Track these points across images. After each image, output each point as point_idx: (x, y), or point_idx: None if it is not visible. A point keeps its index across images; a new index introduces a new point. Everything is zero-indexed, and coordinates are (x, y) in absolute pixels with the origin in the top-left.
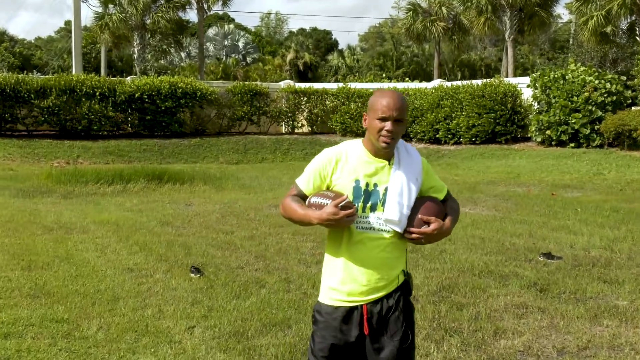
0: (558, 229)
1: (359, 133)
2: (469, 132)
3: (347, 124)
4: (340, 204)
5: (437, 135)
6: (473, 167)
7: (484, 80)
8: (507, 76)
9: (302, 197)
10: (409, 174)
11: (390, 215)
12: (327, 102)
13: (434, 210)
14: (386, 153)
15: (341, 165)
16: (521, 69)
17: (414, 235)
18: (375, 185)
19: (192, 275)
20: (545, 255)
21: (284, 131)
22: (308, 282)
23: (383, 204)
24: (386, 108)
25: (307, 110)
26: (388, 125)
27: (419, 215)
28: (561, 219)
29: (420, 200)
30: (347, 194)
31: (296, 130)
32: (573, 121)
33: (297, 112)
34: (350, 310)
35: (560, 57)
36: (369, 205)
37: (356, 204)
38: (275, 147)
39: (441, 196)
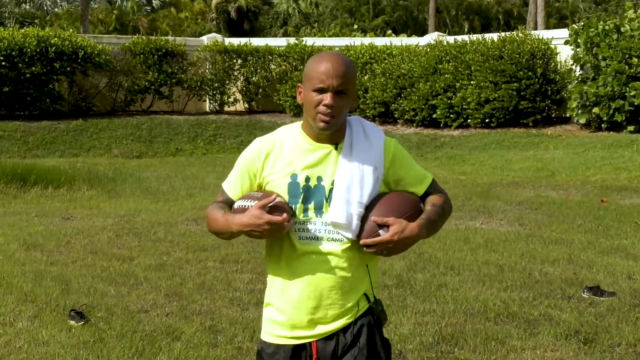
0: (610, 251)
1: None
2: (480, 110)
3: None
4: (268, 205)
5: (434, 115)
6: (486, 162)
7: (503, 33)
8: (535, 28)
9: (230, 205)
10: (363, 161)
11: (335, 216)
12: (273, 67)
13: (396, 206)
14: (331, 136)
15: (273, 158)
16: (556, 18)
17: (369, 249)
18: (318, 179)
19: (72, 322)
20: (591, 290)
21: (208, 109)
22: (244, 332)
23: (331, 203)
24: (324, 75)
25: (242, 78)
26: (327, 98)
27: (372, 218)
28: (615, 237)
29: (381, 196)
30: (281, 192)
31: (226, 108)
32: (632, 94)
33: (227, 82)
34: (296, 350)
35: (613, 1)
36: (311, 206)
37: (293, 205)
38: (195, 132)
39: (419, 190)
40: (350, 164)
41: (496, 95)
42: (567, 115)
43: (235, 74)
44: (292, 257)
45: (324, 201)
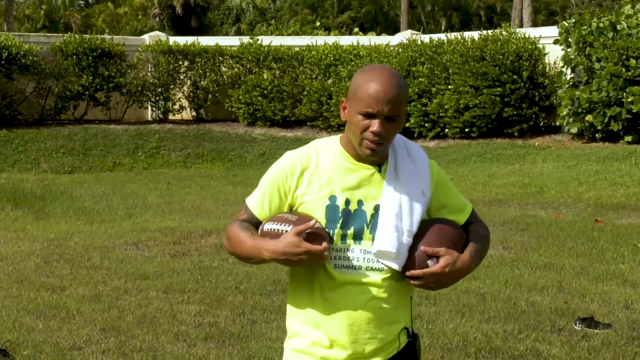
0: (606, 278)
1: (277, 121)
2: (459, 118)
3: (256, 106)
4: (305, 232)
5: (407, 124)
6: (466, 177)
7: (484, 31)
8: (521, 25)
9: (255, 224)
10: (410, 186)
11: (383, 245)
12: (224, 69)
13: (446, 236)
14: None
15: (309, 175)
16: (545, 14)
17: (415, 281)
18: (359, 202)
19: None
20: (584, 321)
21: (150, 118)
22: None
23: (372, 231)
24: (373, 100)
25: (189, 82)
26: (375, 125)
27: (422, 247)
28: (611, 261)
29: (427, 223)
30: (318, 216)
31: (171, 117)
32: (630, 99)
33: (172, 86)
34: None
35: None
36: (350, 232)
37: (331, 231)
38: (135, 144)
39: (461, 219)
40: (397, 188)
41: (477, 101)
42: (557, 124)
43: (181, 77)
44: (327, 286)
45: (365, 227)
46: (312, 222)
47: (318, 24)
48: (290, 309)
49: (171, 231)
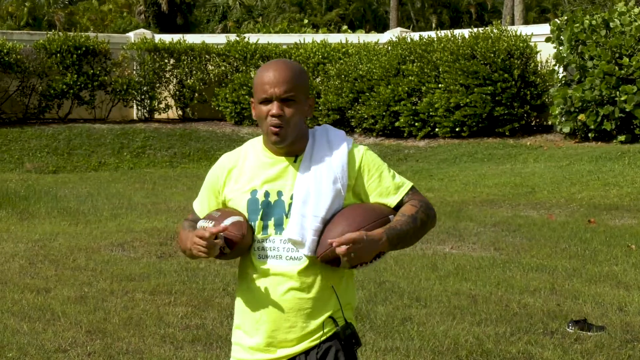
0: (599, 279)
1: None
2: (449, 117)
3: (243, 105)
4: (218, 234)
5: (397, 124)
6: (457, 177)
7: (475, 29)
8: (512, 23)
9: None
10: (321, 172)
11: (290, 233)
12: (210, 67)
13: (357, 217)
14: (290, 148)
15: (235, 174)
16: (536, 11)
17: (321, 257)
18: (279, 193)
19: None
20: (577, 324)
21: (135, 117)
22: None
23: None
24: (267, 85)
25: (175, 80)
26: (273, 107)
27: (328, 241)
28: (604, 263)
29: (345, 208)
30: (241, 210)
31: (157, 116)
32: (623, 98)
33: (158, 85)
34: None
35: None
36: (270, 222)
37: (253, 222)
38: (120, 144)
39: (391, 201)
40: (308, 176)
41: (468, 100)
42: (549, 123)
43: (167, 75)
44: (252, 276)
45: (284, 217)
46: (222, 227)
47: (306, 21)
48: (235, 300)
49: (157, 232)
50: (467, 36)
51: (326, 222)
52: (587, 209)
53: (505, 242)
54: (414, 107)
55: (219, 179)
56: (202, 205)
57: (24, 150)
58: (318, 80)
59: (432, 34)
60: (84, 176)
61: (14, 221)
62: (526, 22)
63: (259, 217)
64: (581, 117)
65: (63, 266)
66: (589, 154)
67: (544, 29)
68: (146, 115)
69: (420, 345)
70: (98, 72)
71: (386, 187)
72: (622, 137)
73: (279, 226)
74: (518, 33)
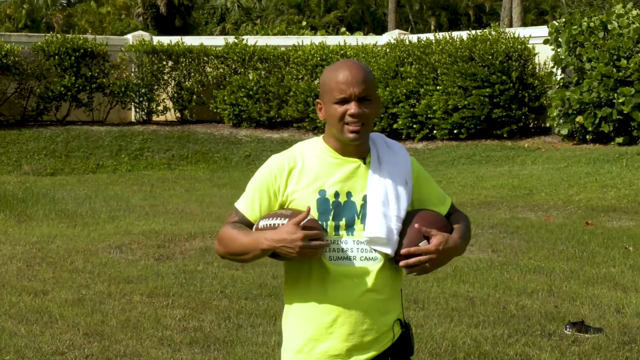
0: (596, 281)
1: (262, 122)
2: (447, 119)
3: (242, 107)
4: (302, 223)
5: (395, 126)
6: (455, 179)
7: (473, 31)
8: (511, 25)
9: (247, 226)
10: (394, 175)
11: (373, 232)
12: (209, 70)
13: (433, 221)
14: (358, 148)
15: (297, 174)
16: (535, 13)
17: (411, 260)
18: (348, 194)
19: None
20: (575, 325)
21: (133, 119)
22: None
23: (363, 220)
24: (344, 84)
25: (173, 83)
26: (352, 107)
27: (415, 225)
28: (602, 264)
29: (413, 212)
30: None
31: (155, 118)
32: (621, 100)
33: (156, 87)
34: None
35: None
36: (342, 223)
37: (324, 224)
38: (118, 146)
39: (443, 210)
40: (382, 178)
41: (466, 102)
42: (547, 125)
43: (165, 78)
44: (323, 279)
45: (356, 218)
46: (305, 214)
47: (304, 23)
48: (285, 308)
49: (155, 234)
50: (465, 38)
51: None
52: (584, 211)
53: (503, 244)
54: (412, 109)
55: (278, 178)
56: (253, 205)
57: (21, 152)
58: (316, 82)
59: (431, 36)
60: (82, 178)
61: (11, 223)
62: (524, 24)
63: (331, 217)
64: (579, 119)
65: (60, 268)
66: (586, 156)
67: (542, 31)
68: (144, 117)
69: (417, 347)
70: (96, 75)
71: (436, 196)
72: (619, 139)
73: (350, 227)
74: (516, 35)
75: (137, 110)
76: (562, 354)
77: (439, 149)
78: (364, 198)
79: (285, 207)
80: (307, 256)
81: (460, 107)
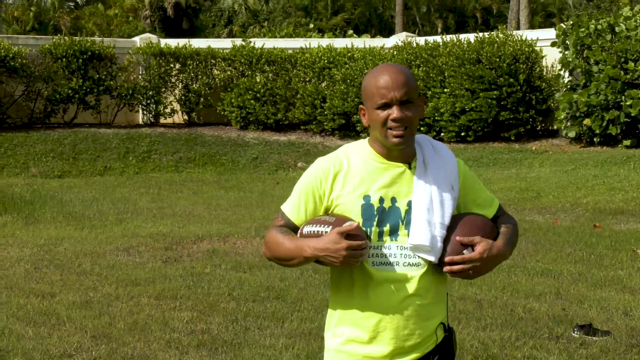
0: (604, 284)
1: (269, 125)
2: (455, 122)
3: (249, 110)
4: (346, 231)
5: None
6: None
7: (481, 34)
8: (518, 27)
9: (292, 230)
10: (440, 180)
11: (418, 239)
12: (216, 72)
13: (478, 227)
14: (403, 152)
15: (342, 178)
16: (542, 15)
17: (454, 267)
18: (393, 200)
19: None
20: (582, 328)
21: (141, 121)
22: None
23: (407, 226)
24: (384, 89)
25: (180, 85)
26: (394, 111)
27: (457, 237)
28: (609, 267)
29: (458, 217)
30: (354, 216)
31: (162, 120)
32: (628, 103)
33: (163, 89)
34: None
35: None
36: (386, 229)
37: (368, 229)
38: (126, 148)
39: (489, 213)
40: (427, 183)
41: (473, 105)
42: (555, 127)
43: (173, 80)
44: (366, 285)
45: (400, 223)
46: (354, 224)
47: (311, 26)
48: (330, 311)
49: (163, 237)
50: (472, 41)
51: (448, 229)
52: (592, 214)
53: None
54: None
55: (323, 182)
56: (299, 209)
57: (29, 155)
58: (324, 84)
59: (438, 38)
60: (90, 181)
61: (19, 226)
62: (532, 26)
63: (375, 223)
64: (586, 121)
65: (68, 271)
66: (594, 159)
67: (550, 33)
68: (152, 119)
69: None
70: (104, 77)
71: (484, 199)
72: (627, 142)
73: (394, 233)
74: (524, 38)
75: (145, 112)
76: (570, 356)
77: None
78: (409, 204)
79: (330, 211)
80: (350, 265)
81: (467, 109)
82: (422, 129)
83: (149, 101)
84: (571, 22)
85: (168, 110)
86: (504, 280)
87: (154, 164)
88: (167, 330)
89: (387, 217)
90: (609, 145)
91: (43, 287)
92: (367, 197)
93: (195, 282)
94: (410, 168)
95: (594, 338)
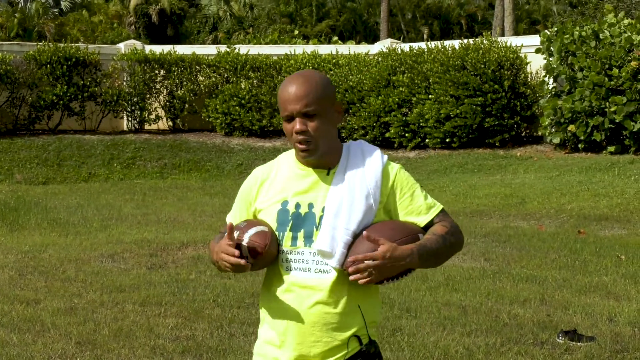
0: (589, 290)
1: (254, 131)
2: (440, 128)
3: (234, 116)
4: (237, 242)
5: (387, 134)
6: (447, 187)
7: (465, 40)
8: (503, 34)
9: None
10: (354, 186)
11: (320, 244)
12: (201, 78)
13: (388, 231)
14: (323, 161)
15: (268, 185)
16: (527, 22)
17: (361, 266)
18: (309, 205)
19: None
20: (567, 334)
21: (126, 128)
22: None
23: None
24: (285, 102)
25: (165, 91)
26: (297, 124)
27: (364, 233)
28: (594, 273)
29: (373, 223)
30: (270, 220)
31: (147, 127)
32: (613, 109)
33: (148, 96)
34: None
35: (590, 3)
36: (300, 234)
37: (281, 233)
38: (111, 155)
39: (421, 221)
40: (341, 189)
41: (458, 111)
42: (539, 134)
43: (158, 86)
44: (279, 288)
45: (314, 229)
46: (239, 235)
47: (296, 32)
48: (260, 311)
49: (147, 243)
50: (457, 47)
51: (356, 236)
52: (577, 220)
53: (496, 252)
54: (404, 118)
55: (252, 190)
56: (235, 215)
57: (13, 161)
58: None
59: (423, 45)
60: (74, 187)
61: (3, 232)
62: (516, 33)
63: (288, 228)
64: (571, 128)
65: (53, 277)
66: (578, 165)
67: (534, 40)
68: (136, 126)
69: (410, 356)
70: (88, 83)
71: (417, 206)
72: (611, 148)
73: (308, 238)
74: (508, 44)
75: (129, 119)
76: None
77: (431, 157)
78: (323, 209)
79: (256, 217)
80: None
81: (452, 116)
82: (406, 135)
83: (133, 107)
84: (555, 29)
85: (153, 116)
86: (489, 286)
87: (139, 170)
88: (152, 337)
89: (303, 222)
90: (594, 151)
91: (27, 294)
92: (284, 203)
93: (180, 289)
94: (328, 174)
95: (578, 344)
